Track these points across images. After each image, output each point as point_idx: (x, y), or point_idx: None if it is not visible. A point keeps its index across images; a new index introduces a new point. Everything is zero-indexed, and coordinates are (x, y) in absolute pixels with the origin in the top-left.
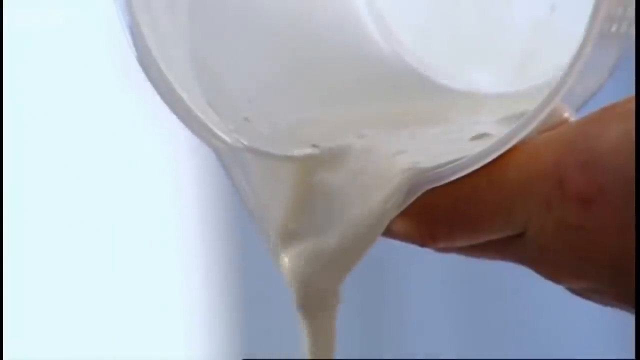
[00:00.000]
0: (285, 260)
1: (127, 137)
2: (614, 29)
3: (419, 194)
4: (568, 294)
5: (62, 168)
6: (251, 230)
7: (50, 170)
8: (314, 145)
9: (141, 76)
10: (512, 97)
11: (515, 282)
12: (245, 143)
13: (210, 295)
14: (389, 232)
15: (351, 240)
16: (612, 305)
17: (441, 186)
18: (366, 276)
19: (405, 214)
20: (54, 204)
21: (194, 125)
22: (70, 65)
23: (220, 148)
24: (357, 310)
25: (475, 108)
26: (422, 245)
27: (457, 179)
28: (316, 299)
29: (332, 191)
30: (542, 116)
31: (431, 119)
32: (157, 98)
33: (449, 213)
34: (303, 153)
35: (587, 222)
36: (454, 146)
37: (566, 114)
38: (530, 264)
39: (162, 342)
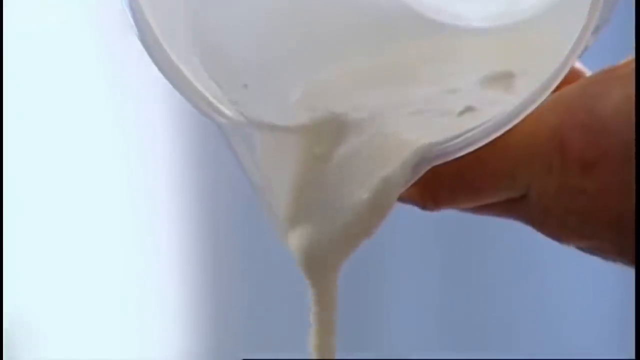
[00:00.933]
0: (293, 238)
1: (123, 136)
2: None
3: (426, 170)
4: (567, 293)
5: (59, 166)
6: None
7: (47, 167)
8: (315, 115)
9: (137, 75)
10: (501, 39)
11: (514, 282)
12: (247, 115)
13: (188, 295)
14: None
15: (358, 219)
16: (613, 261)
17: None
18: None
19: None
20: (52, 204)
21: (196, 99)
22: (68, 65)
23: (222, 123)
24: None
25: (464, 56)
26: (424, 208)
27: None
28: (322, 273)
29: (338, 166)
30: (544, 96)
31: (422, 74)
32: (154, 97)
33: (451, 178)
34: (304, 123)
35: (589, 185)
36: (447, 122)
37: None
38: (533, 225)
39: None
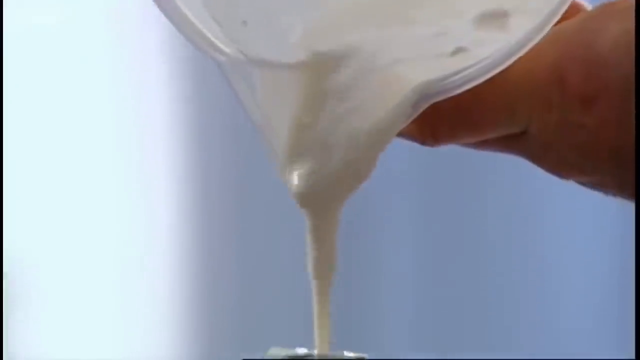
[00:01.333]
0: (293, 177)
1: (122, 134)
2: None
3: (425, 107)
4: (566, 293)
5: (59, 166)
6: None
7: (47, 167)
8: (314, 53)
9: (134, 75)
10: None
11: (514, 283)
12: (247, 53)
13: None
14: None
15: (358, 156)
16: (614, 195)
17: None
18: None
19: None
20: (57, 206)
21: (195, 38)
22: (67, 64)
23: (222, 61)
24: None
25: None
26: (423, 143)
27: None
28: (321, 209)
29: (338, 104)
30: (543, 33)
31: (418, 13)
32: (152, 96)
33: (451, 113)
34: (304, 60)
35: (588, 120)
36: (443, 62)
37: None
38: (534, 160)
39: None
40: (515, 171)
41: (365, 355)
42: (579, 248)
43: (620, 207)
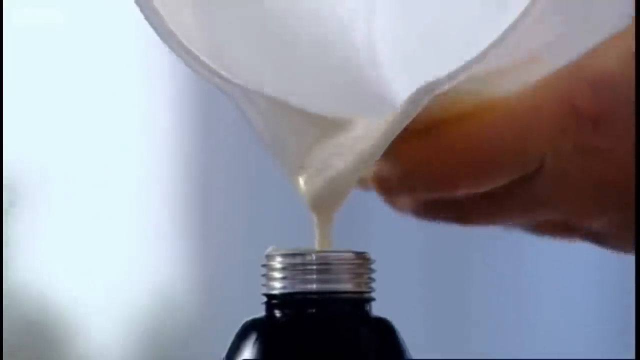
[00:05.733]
0: (303, 187)
1: (123, 135)
2: None
3: (425, 103)
4: (566, 293)
5: (64, 169)
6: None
7: (52, 167)
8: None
9: (135, 74)
10: None
11: (512, 282)
12: (256, 89)
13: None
14: (391, 203)
15: (357, 165)
16: (612, 248)
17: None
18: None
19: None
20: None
21: (205, 72)
22: (68, 64)
23: (232, 91)
24: None
25: None
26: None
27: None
28: (328, 208)
29: (338, 123)
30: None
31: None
32: (153, 96)
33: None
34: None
35: (602, 143)
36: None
37: None
38: (546, 201)
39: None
40: None
41: (368, 253)
42: (579, 247)
43: None
